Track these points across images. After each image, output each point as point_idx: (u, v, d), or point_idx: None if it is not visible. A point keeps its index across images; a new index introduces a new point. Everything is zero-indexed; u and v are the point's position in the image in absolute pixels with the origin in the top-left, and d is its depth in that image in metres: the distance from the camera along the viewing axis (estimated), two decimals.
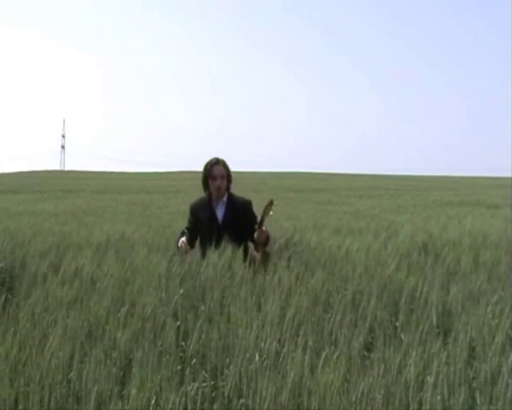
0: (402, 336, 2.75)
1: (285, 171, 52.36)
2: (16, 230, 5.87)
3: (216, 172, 4.11)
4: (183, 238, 4.04)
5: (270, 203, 3.90)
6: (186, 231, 4.16)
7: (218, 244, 3.82)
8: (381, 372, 2.19)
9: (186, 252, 3.95)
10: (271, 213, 3.93)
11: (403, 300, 3.28)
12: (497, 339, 2.52)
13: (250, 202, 4.26)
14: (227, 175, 4.15)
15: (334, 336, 2.76)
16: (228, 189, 4.20)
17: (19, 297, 3.27)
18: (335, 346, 2.62)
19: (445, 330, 2.95)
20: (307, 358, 2.23)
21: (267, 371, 2.25)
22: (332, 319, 2.87)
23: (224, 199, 4.17)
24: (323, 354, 2.26)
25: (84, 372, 2.19)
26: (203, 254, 3.90)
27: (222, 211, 4.14)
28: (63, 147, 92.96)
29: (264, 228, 3.94)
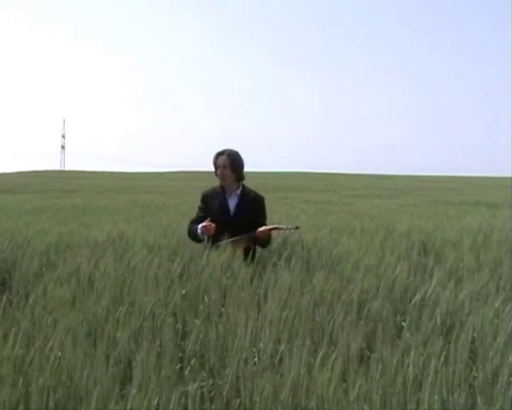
0: (407, 335, 2.75)
1: (285, 171, 52.34)
2: (16, 230, 5.86)
3: (219, 161, 4.23)
4: (204, 222, 4.09)
5: (294, 228, 4.25)
6: (197, 217, 4.25)
7: (228, 235, 3.95)
8: (379, 372, 2.19)
9: (212, 231, 4.02)
10: (284, 230, 4.24)
11: (406, 300, 3.28)
12: (498, 339, 2.52)
13: (262, 198, 4.35)
14: (231, 164, 4.22)
15: (334, 337, 2.76)
16: (239, 180, 4.30)
17: (19, 297, 3.27)
18: (335, 346, 2.61)
19: (447, 330, 2.94)
20: (304, 357, 2.22)
21: (264, 372, 2.25)
22: (333, 319, 2.86)
23: (238, 191, 4.27)
24: (320, 354, 2.25)
25: (85, 373, 2.18)
26: (213, 243, 3.97)
27: (234, 202, 4.24)
28: (63, 147, 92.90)
29: (271, 231, 4.11)
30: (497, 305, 3.07)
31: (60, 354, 2.32)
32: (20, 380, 2.13)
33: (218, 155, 4.26)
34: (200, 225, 4.08)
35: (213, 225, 4.03)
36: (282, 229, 4.22)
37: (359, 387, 2.06)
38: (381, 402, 2.06)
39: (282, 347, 2.44)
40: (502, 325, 2.72)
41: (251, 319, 2.62)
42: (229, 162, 4.22)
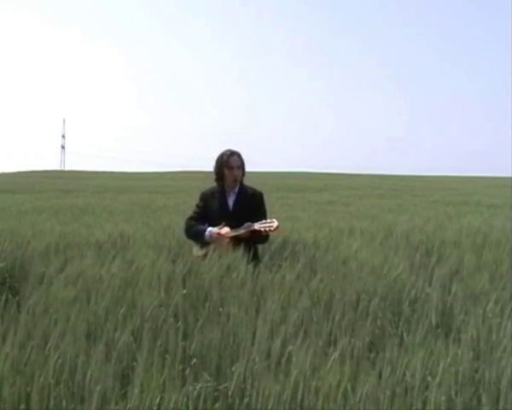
0: (404, 336, 2.75)
1: (285, 171, 52.36)
2: (16, 230, 5.86)
3: (233, 162, 4.25)
4: (213, 229, 4.08)
5: (275, 228, 3.93)
6: (195, 215, 4.27)
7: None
8: (387, 373, 2.19)
9: (224, 243, 3.97)
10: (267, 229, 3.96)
11: (406, 300, 3.27)
12: (500, 339, 2.52)
13: (261, 194, 4.36)
14: (242, 165, 4.29)
15: (336, 337, 2.76)
16: (241, 180, 4.33)
17: (19, 297, 3.27)
18: (335, 346, 2.61)
19: (447, 330, 2.94)
20: (309, 358, 2.22)
21: (267, 371, 2.25)
22: (334, 319, 2.86)
23: (236, 189, 4.30)
24: (332, 357, 2.24)
25: (88, 372, 2.18)
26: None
27: (233, 200, 4.27)
28: (63, 147, 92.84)
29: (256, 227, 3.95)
30: (496, 305, 3.07)
31: (60, 353, 2.31)
32: (19, 379, 2.14)
33: (230, 155, 4.27)
34: (209, 229, 4.10)
35: (227, 239, 3.99)
36: (263, 231, 3.97)
37: (366, 387, 2.06)
38: (388, 402, 2.07)
39: (290, 347, 2.44)
40: (501, 325, 2.72)
41: (252, 318, 2.62)
42: (241, 163, 4.29)
